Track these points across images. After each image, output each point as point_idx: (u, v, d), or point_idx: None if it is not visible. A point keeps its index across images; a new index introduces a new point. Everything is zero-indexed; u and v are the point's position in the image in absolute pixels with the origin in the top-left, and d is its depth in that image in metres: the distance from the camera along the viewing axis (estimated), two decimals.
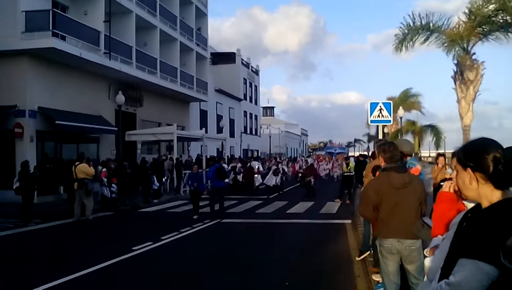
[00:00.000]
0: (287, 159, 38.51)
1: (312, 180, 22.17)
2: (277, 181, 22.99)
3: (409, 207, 4.58)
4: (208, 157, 23.68)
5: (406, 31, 17.35)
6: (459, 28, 16.58)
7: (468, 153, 1.92)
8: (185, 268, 8.41)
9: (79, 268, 8.03)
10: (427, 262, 2.24)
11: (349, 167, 19.19)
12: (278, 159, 31.11)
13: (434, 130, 41.03)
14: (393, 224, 4.57)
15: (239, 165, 24.58)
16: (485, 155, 1.84)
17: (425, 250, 2.42)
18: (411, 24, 17.17)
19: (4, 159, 18.76)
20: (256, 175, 23.05)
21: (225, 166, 23.44)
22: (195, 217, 14.31)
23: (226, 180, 22.77)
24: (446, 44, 16.92)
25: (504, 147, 1.87)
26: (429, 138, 43.43)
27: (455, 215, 2.20)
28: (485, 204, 1.86)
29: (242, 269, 8.35)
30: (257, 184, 22.97)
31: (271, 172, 23.44)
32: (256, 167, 23.65)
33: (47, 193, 18.94)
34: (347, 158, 22.50)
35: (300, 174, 27.51)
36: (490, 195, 1.85)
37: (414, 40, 17.44)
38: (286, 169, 25.84)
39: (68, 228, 13.32)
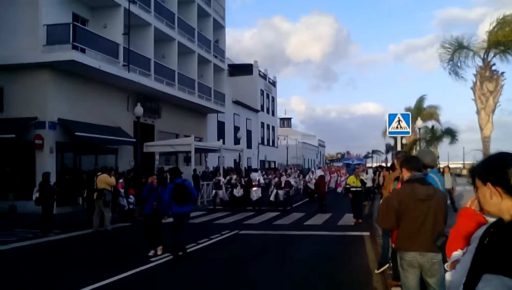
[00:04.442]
0: (298, 171, 35.03)
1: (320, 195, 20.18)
2: (278, 197, 20.89)
3: (432, 219, 4.51)
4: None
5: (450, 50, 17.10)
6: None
7: (488, 167, 1.90)
8: (201, 278, 8.41)
9: (98, 279, 8.06)
10: (448, 276, 2.21)
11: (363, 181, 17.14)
12: (285, 171, 27.42)
13: (449, 132, 39.19)
14: (415, 236, 4.50)
15: (235, 177, 21.49)
16: (506, 169, 1.82)
17: (446, 264, 2.39)
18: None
19: (25, 170, 19.06)
20: (255, 188, 20.65)
21: (221, 179, 21.65)
22: (153, 252, 10.32)
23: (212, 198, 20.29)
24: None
25: None
26: (447, 148, 42.14)
27: (475, 228, 2.17)
28: (507, 218, 1.83)
29: (261, 279, 8.32)
30: (254, 199, 20.60)
31: (273, 186, 21.48)
32: (256, 179, 21.22)
33: (66, 203, 19.17)
34: (361, 169, 20.22)
35: (309, 189, 25.72)
36: None
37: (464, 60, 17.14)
38: (293, 182, 23.12)
39: (87, 238, 13.43)
